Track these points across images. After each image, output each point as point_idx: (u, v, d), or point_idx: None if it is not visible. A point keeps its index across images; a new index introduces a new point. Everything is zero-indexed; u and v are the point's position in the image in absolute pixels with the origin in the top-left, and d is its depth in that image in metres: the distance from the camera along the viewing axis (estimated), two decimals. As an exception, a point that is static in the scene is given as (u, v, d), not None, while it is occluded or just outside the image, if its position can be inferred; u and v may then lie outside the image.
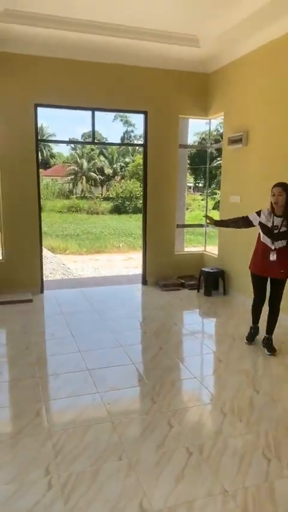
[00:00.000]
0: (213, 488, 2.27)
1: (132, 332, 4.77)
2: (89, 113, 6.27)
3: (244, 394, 3.30)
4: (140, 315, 5.47)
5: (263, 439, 2.70)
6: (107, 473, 2.38)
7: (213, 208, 15.53)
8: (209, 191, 9.09)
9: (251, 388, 3.40)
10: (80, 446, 2.63)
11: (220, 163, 6.79)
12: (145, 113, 6.37)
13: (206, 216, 4.67)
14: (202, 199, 26.15)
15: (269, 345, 4.12)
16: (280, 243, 3.85)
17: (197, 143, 22.31)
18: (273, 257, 3.85)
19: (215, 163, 19.79)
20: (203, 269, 6.34)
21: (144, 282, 6.76)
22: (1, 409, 3.12)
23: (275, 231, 3.84)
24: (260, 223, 3.95)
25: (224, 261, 6.31)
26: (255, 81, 5.39)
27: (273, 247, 3.86)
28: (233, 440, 2.69)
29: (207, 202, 8.34)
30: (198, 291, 6.38)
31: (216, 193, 18.84)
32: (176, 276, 6.77)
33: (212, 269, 6.27)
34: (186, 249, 7.53)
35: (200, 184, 30.60)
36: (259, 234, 4.01)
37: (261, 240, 3.97)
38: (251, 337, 4.33)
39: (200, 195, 28.59)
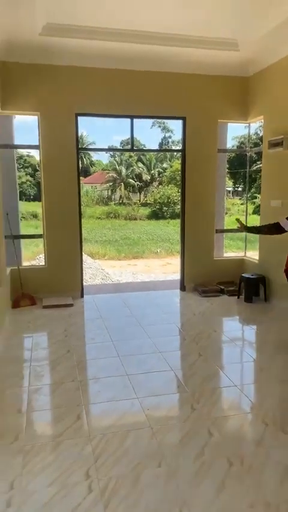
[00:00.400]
0: (256, 500, 2.21)
1: (170, 338, 4.75)
2: (128, 120, 6.36)
3: (287, 404, 3.19)
4: (179, 321, 5.44)
5: (307, 452, 2.60)
6: (146, 480, 2.38)
7: (253, 213, 15.26)
8: (248, 195, 8.94)
9: (295, 398, 3.29)
10: (120, 451, 2.65)
11: (260, 167, 6.66)
12: (184, 118, 6.37)
13: (238, 221, 4.69)
14: (241, 204, 25.71)
15: None
16: None
17: (235, 147, 22.03)
18: None
19: (254, 167, 19.44)
20: (243, 275, 6.22)
21: (183, 287, 6.73)
22: (43, 411, 3.20)
23: None
24: None
25: (265, 266, 6.16)
26: (296, 82, 5.26)
27: None
28: (275, 452, 2.60)
29: (247, 206, 8.20)
30: (238, 297, 6.27)
31: (256, 198, 18.50)
32: (215, 282, 6.69)
33: (252, 275, 6.14)
34: (225, 254, 7.43)
35: (239, 189, 30.14)
36: None
37: None
38: None
39: (240, 199, 28.15)
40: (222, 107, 6.45)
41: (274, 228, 4.21)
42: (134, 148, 7.20)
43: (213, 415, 3.05)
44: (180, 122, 6.46)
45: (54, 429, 2.93)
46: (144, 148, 34.31)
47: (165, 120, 29.26)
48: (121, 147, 30.36)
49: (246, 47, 5.57)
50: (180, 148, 6.68)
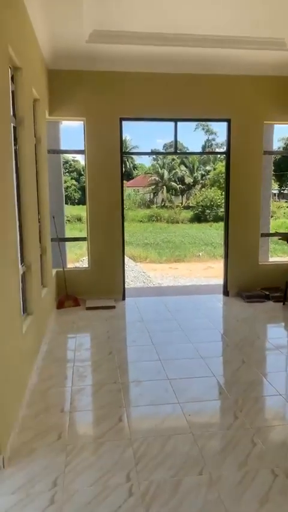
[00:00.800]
0: (302, 516, 2.12)
1: (213, 344, 4.68)
2: (169, 123, 6.36)
3: None
4: (222, 327, 5.35)
5: None
6: (187, 486, 2.35)
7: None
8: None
9: None
10: (161, 455, 2.63)
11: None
12: (228, 120, 6.29)
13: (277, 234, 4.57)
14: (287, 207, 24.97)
15: None
16: None
17: (281, 149, 21.42)
18: None
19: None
20: (289, 280, 6.03)
21: (226, 292, 6.61)
22: (85, 412, 3.25)
23: None
24: None
25: (313, 272, 5.93)
26: None
27: None
28: None
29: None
30: (284, 303, 6.07)
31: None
32: (259, 287, 6.52)
33: (298, 280, 5.93)
34: (271, 259, 7.22)
35: (286, 191, 29.28)
36: None
37: None
38: None
39: (286, 202, 27.33)
40: (268, 108, 6.30)
41: None
42: (178, 151, 7.17)
43: (256, 425, 2.97)
44: (225, 124, 6.38)
45: (96, 430, 2.97)
46: (187, 151, 34.23)
47: (209, 123, 29.02)
48: (164, 150, 30.43)
49: (294, 46, 5.40)
50: (224, 150, 6.58)
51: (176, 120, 6.29)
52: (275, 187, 27.52)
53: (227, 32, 5.14)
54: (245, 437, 2.81)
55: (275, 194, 28.25)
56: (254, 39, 5.28)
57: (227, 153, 6.41)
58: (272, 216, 10.04)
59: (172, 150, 7.35)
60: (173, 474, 2.46)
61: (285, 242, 4.69)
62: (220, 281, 6.92)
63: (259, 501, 2.23)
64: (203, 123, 33.26)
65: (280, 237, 4.57)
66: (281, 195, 30.02)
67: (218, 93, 6.14)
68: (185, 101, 6.11)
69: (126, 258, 8.39)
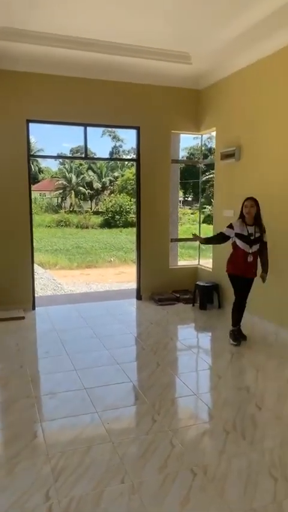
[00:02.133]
0: (221, 511, 2.20)
1: (128, 349, 4.70)
2: (77, 128, 6.30)
3: (246, 411, 3.24)
4: (136, 331, 5.40)
5: (268, 458, 2.65)
6: (110, 497, 2.30)
7: (203, 222, 15.56)
8: (197, 205, 9.13)
9: (253, 404, 3.35)
10: (81, 468, 2.55)
11: (209, 178, 6.85)
12: (138, 128, 6.41)
13: (194, 235, 5.10)
14: (192, 213, 26.31)
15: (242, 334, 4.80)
16: (255, 247, 4.54)
17: (185, 158, 22.53)
18: (250, 259, 4.54)
19: (203, 178, 20.00)
20: (197, 283, 6.32)
21: (139, 296, 6.71)
22: (-4, 431, 3.01)
23: (252, 238, 4.50)
24: (237, 234, 4.54)
25: (218, 274, 6.28)
26: (246, 97, 5.46)
27: (250, 251, 4.52)
28: (237, 460, 2.62)
29: (200, 216, 8.39)
30: (193, 305, 6.34)
31: (205, 207, 18.97)
32: (170, 290, 6.73)
33: (206, 283, 6.25)
34: (179, 263, 7.51)
35: (189, 199, 30.83)
36: (234, 242, 4.60)
37: (240, 246, 4.54)
38: (238, 339, 4.69)
39: (190, 208, 28.78)
40: (175, 118, 6.57)
41: (221, 238, 4.71)
42: (88, 156, 7.11)
43: (174, 426, 3.03)
44: (132, 131, 6.49)
45: (9, 450, 2.77)
46: (95, 156, 34.20)
47: (116, 129, 29.40)
48: (71, 155, 30.03)
49: (198, 61, 5.71)
50: (134, 157, 6.69)
51: (86, 125, 6.24)
52: (179, 195, 28.80)
53: (137, 42, 5.26)
54: (164, 440, 2.85)
55: (180, 201, 29.57)
56: (162, 51, 5.48)
57: (137, 160, 6.53)
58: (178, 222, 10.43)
59: (79, 154, 7.23)
60: (95, 486, 2.39)
61: (203, 243, 5.20)
62: (133, 285, 7.00)
63: (180, 502, 2.27)
64: (110, 129, 33.66)
65: (195, 237, 4.97)
66: (185, 202, 31.51)
67: (128, 101, 6.23)
68: (96, 106, 6.09)
69: (34, 265, 8.06)
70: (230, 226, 4.58)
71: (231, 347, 4.62)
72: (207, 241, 5.12)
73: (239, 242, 4.53)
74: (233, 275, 4.69)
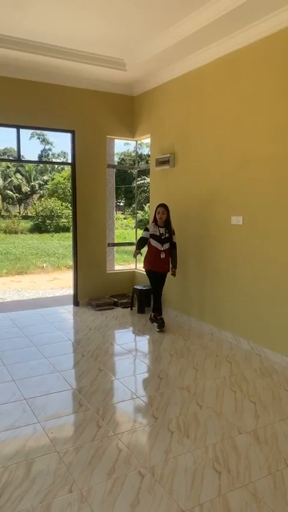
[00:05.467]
0: (170, 509, 2.25)
1: (68, 356, 4.61)
2: (3, 129, 6.10)
3: (188, 409, 3.34)
4: (75, 337, 5.32)
5: (211, 453, 2.75)
6: (58, 508, 2.25)
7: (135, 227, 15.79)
8: (130, 210, 9.24)
9: (194, 403, 3.46)
10: (26, 482, 2.46)
11: (141, 183, 6.98)
12: (73, 132, 6.35)
13: (136, 252, 5.59)
14: (124, 218, 26.51)
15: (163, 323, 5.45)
16: (166, 245, 5.35)
17: (116, 163, 22.72)
18: (163, 256, 5.34)
19: (135, 183, 20.27)
20: (135, 287, 6.39)
21: (76, 302, 6.61)
22: None
23: (163, 237, 5.32)
24: (151, 235, 5.36)
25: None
26: (178, 105, 5.67)
27: (162, 249, 5.32)
28: (183, 458, 2.70)
29: (136, 221, 8.50)
30: (131, 308, 6.40)
31: (137, 213, 19.27)
32: (108, 295, 6.73)
33: (144, 286, 6.34)
34: (116, 267, 7.54)
35: (121, 204, 31.04)
36: (149, 242, 5.36)
37: (153, 245, 5.33)
38: (162, 324, 5.40)
39: (122, 213, 28.97)
40: (110, 123, 6.61)
41: (143, 241, 5.42)
42: (13, 158, 6.88)
43: (119, 430, 3.04)
44: (62, 134, 6.44)
45: None
46: (23, 159, 33.14)
47: (45, 132, 28.83)
48: (-2, 157, 28.81)
49: (132, 68, 5.81)
50: (69, 161, 6.62)
51: (19, 127, 6.05)
52: (112, 200, 28.85)
53: (71, 45, 5.23)
54: (110, 445, 2.84)
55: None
56: (97, 56, 5.50)
57: (73, 164, 6.46)
58: (114, 227, 10.43)
59: (6, 157, 6.99)
60: (42, 499, 2.32)
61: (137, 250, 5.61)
62: (68, 291, 6.89)
63: (131, 504, 2.28)
64: (39, 132, 32.89)
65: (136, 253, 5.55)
66: (117, 207, 31.69)
67: (63, 104, 6.16)
68: (29, 108, 5.94)
69: None
70: (146, 229, 5.42)
71: (170, 348, 4.73)
72: (137, 249, 5.57)
73: (152, 241, 5.34)
74: (149, 270, 5.46)
